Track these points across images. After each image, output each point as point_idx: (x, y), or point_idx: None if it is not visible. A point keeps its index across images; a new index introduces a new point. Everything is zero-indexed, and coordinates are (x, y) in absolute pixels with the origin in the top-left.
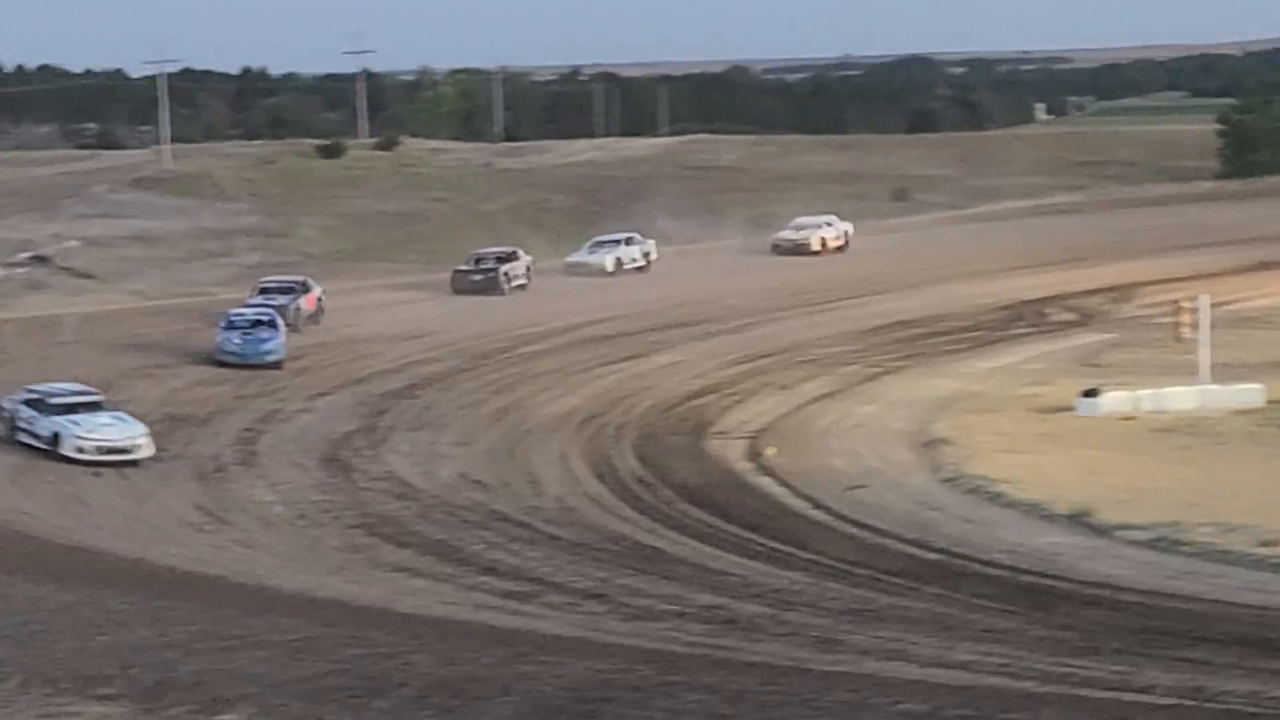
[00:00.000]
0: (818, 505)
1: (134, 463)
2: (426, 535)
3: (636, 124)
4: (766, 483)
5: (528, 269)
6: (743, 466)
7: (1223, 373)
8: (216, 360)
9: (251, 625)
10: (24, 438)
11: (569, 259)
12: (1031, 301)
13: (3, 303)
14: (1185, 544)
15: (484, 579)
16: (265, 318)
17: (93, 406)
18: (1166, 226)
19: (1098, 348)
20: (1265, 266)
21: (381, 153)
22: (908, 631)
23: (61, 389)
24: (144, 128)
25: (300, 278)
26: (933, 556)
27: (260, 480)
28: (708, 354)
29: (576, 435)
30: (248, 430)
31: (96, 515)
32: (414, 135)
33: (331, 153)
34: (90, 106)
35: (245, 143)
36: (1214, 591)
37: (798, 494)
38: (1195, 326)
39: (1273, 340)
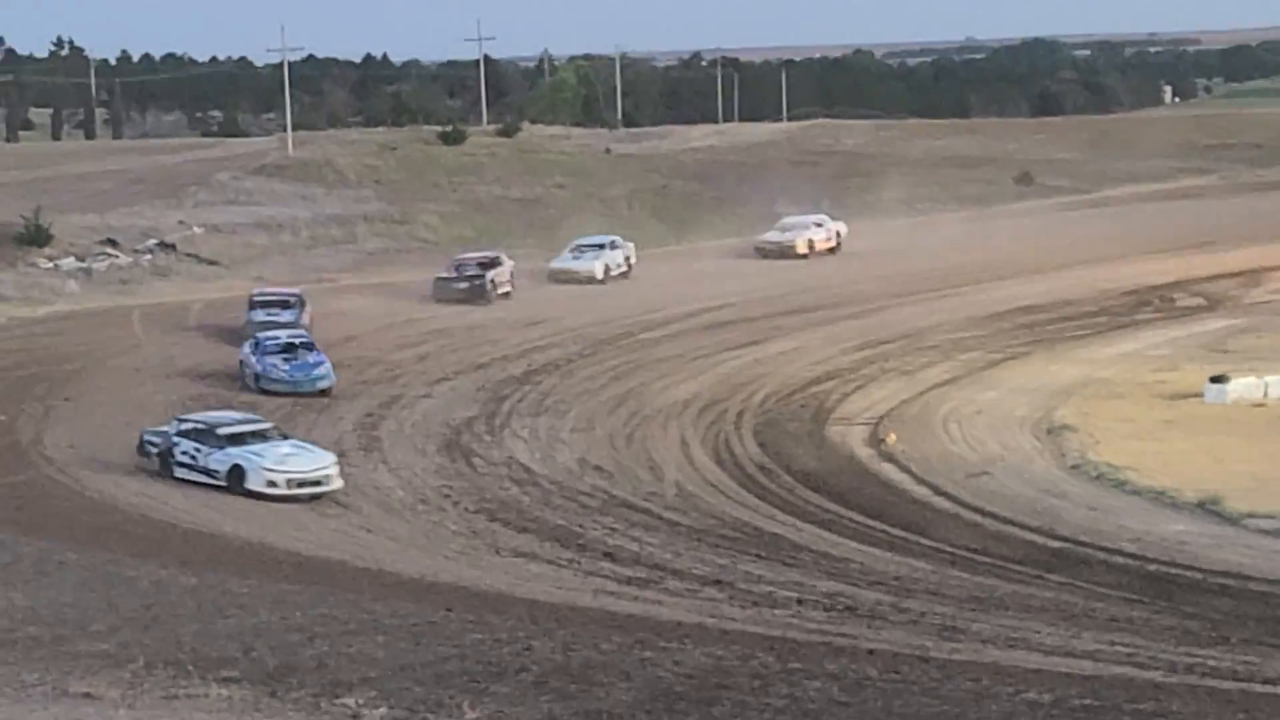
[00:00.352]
0: (939, 492)
1: (322, 496)
2: (546, 520)
3: (757, 109)
4: (888, 469)
5: (512, 275)
6: (864, 453)
7: None
8: (259, 389)
9: (372, 609)
10: (186, 473)
11: (553, 264)
12: (1158, 286)
13: (130, 289)
14: None
15: (604, 565)
16: (301, 339)
17: (263, 435)
18: None
19: (1226, 333)
20: None
21: (502, 139)
22: (1031, 620)
23: (225, 417)
24: (268, 115)
25: (297, 290)
26: (1056, 544)
27: (381, 465)
28: (827, 340)
29: (696, 421)
30: (369, 415)
31: (218, 500)
32: (534, 122)
33: (453, 139)
34: (215, 94)
35: (367, 130)
36: None
37: (919, 480)
38: None
39: None
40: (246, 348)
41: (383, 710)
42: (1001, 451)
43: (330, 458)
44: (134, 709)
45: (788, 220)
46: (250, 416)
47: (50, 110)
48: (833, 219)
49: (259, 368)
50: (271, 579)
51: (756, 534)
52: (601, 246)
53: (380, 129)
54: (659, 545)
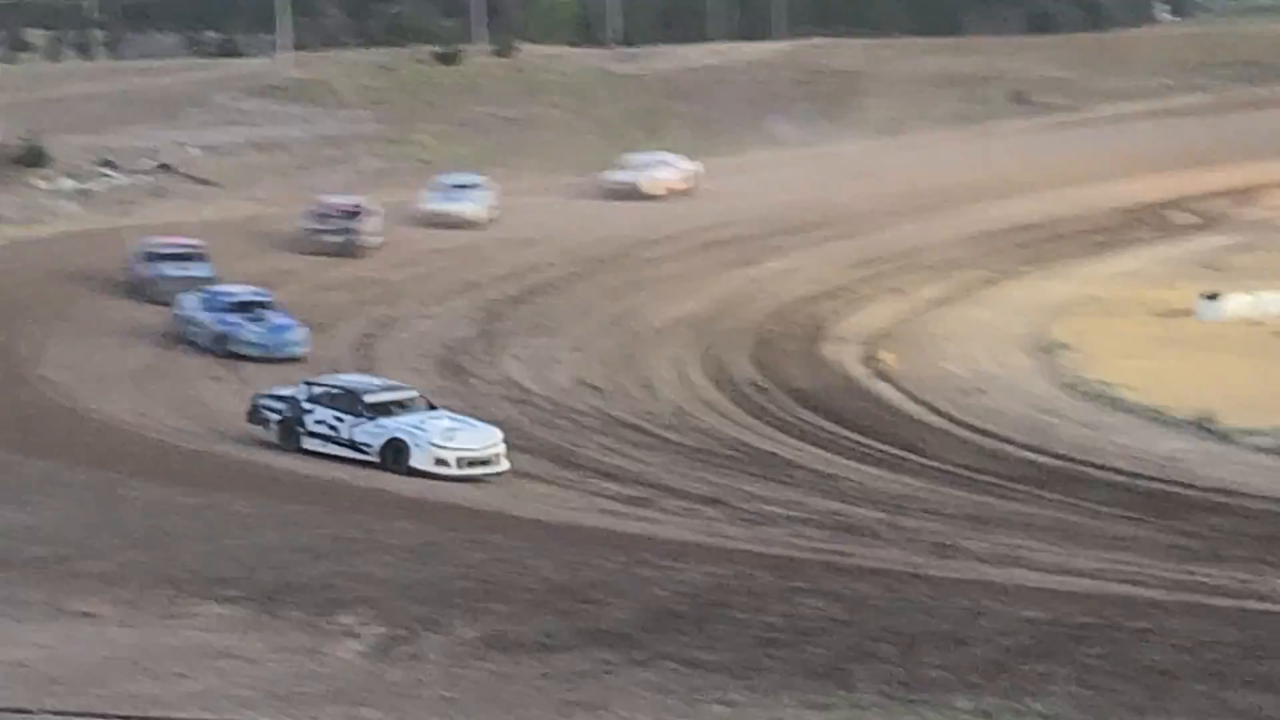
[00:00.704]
0: (935, 410)
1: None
2: (544, 440)
3: (753, 28)
4: (883, 388)
5: (380, 223)
6: (859, 372)
7: None
8: (223, 351)
9: (375, 530)
10: (318, 445)
11: (427, 205)
12: (1153, 205)
13: (129, 210)
14: None
15: (602, 484)
16: (259, 297)
17: (410, 403)
18: None
19: (1221, 251)
20: None
21: (499, 59)
22: (1028, 538)
23: (367, 382)
24: (265, 35)
25: (199, 243)
26: (1052, 462)
27: None
28: (824, 259)
29: (693, 341)
30: (367, 335)
31: (218, 420)
32: (531, 41)
33: (449, 60)
34: (212, 15)
35: (364, 50)
36: None
37: (915, 399)
38: None
39: None
40: (191, 304)
41: (380, 629)
42: (997, 370)
43: (497, 434)
44: (133, 628)
45: (634, 158)
46: (392, 383)
47: (47, 31)
48: (689, 159)
49: (221, 328)
50: (274, 500)
51: (753, 453)
52: (470, 187)
53: (377, 49)
54: (657, 465)
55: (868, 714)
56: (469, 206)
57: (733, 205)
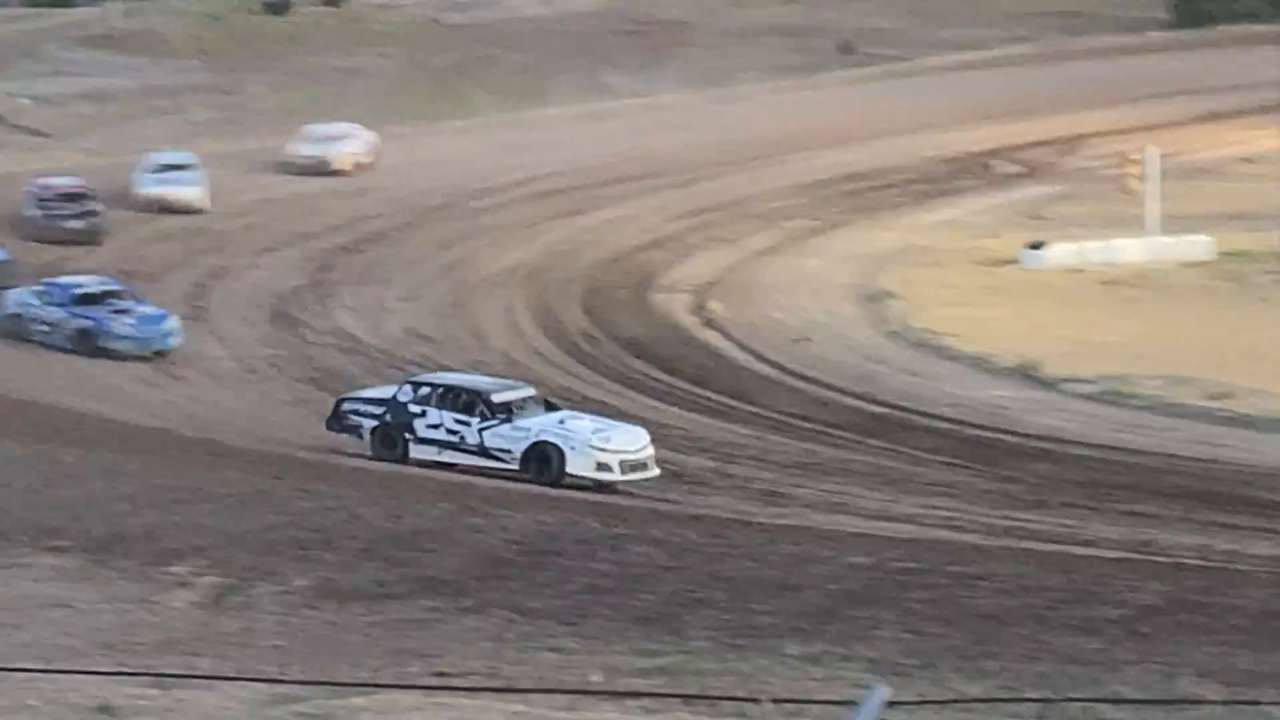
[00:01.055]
0: (762, 359)
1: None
2: None
3: None
4: (712, 337)
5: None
6: (689, 321)
7: (1172, 225)
8: (90, 349)
9: (202, 479)
10: (430, 453)
11: (140, 190)
12: (978, 154)
13: None
14: (1133, 397)
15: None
16: (107, 285)
17: (530, 401)
18: (1115, 78)
19: (1044, 200)
20: (1215, 118)
21: (329, 9)
22: (853, 485)
23: (482, 380)
24: None
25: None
26: (878, 410)
27: (210, 335)
28: (654, 208)
29: (523, 290)
30: (197, 285)
31: (47, 371)
32: None
33: (279, 10)
34: None
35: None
36: (1162, 445)
37: (743, 348)
38: (1143, 178)
39: (1223, 192)
40: (26, 299)
41: (212, 578)
42: (825, 319)
43: (645, 433)
44: None
45: (314, 129)
46: (506, 379)
47: None
48: (364, 130)
49: (83, 324)
50: (101, 449)
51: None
52: (182, 167)
53: None
54: None
55: (697, 660)
56: (187, 191)
57: (563, 156)
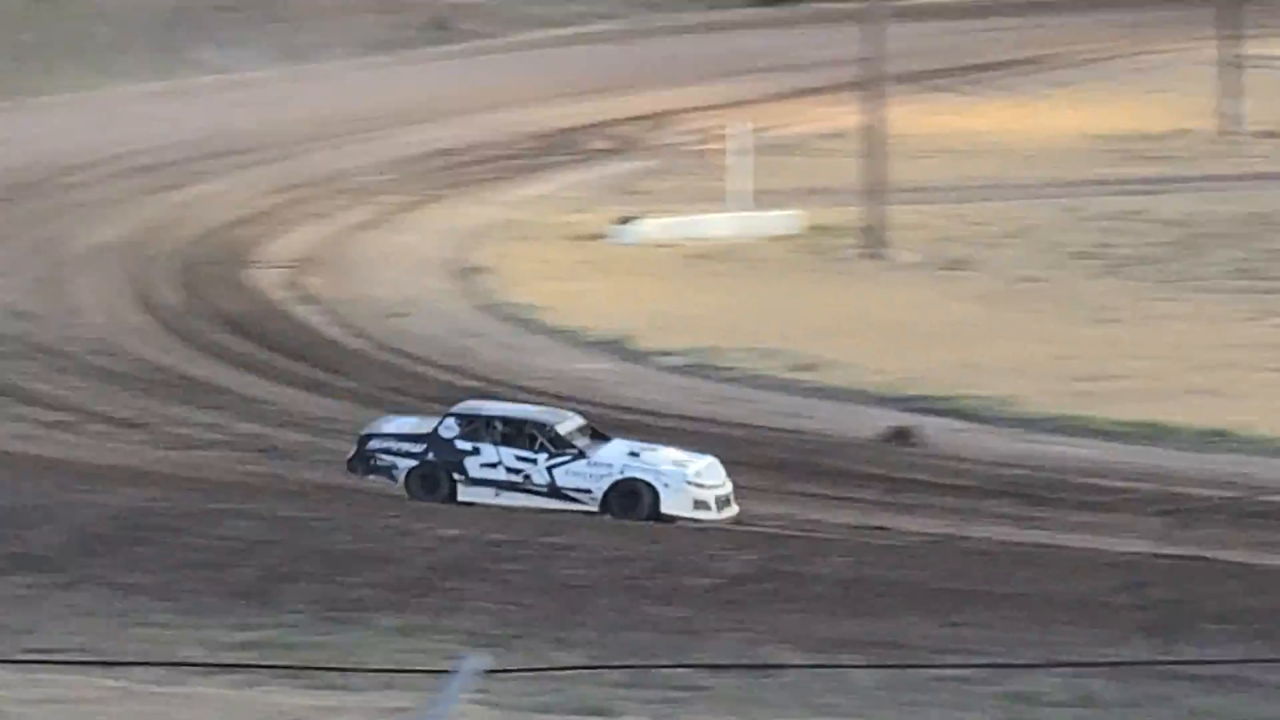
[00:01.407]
0: (358, 334)
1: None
2: None
3: None
4: (307, 311)
5: None
6: (283, 296)
7: (760, 199)
8: None
9: None
10: (487, 494)
11: None
12: (569, 130)
13: None
14: (721, 369)
15: (26, 409)
16: None
17: (583, 431)
18: (702, 54)
19: (635, 176)
20: (801, 94)
21: None
22: None
23: (544, 412)
24: None
25: None
26: (471, 384)
27: None
28: (247, 184)
29: (118, 266)
30: None
31: None
32: None
33: None
34: None
35: None
36: (749, 416)
37: (338, 322)
38: (731, 153)
39: (810, 167)
40: None
41: None
42: (419, 293)
43: (719, 464)
44: None
45: None
46: (556, 410)
47: None
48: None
49: None
50: None
51: (178, 378)
52: None
53: None
54: (82, 389)
55: (294, 633)
56: None
57: (152, 131)
